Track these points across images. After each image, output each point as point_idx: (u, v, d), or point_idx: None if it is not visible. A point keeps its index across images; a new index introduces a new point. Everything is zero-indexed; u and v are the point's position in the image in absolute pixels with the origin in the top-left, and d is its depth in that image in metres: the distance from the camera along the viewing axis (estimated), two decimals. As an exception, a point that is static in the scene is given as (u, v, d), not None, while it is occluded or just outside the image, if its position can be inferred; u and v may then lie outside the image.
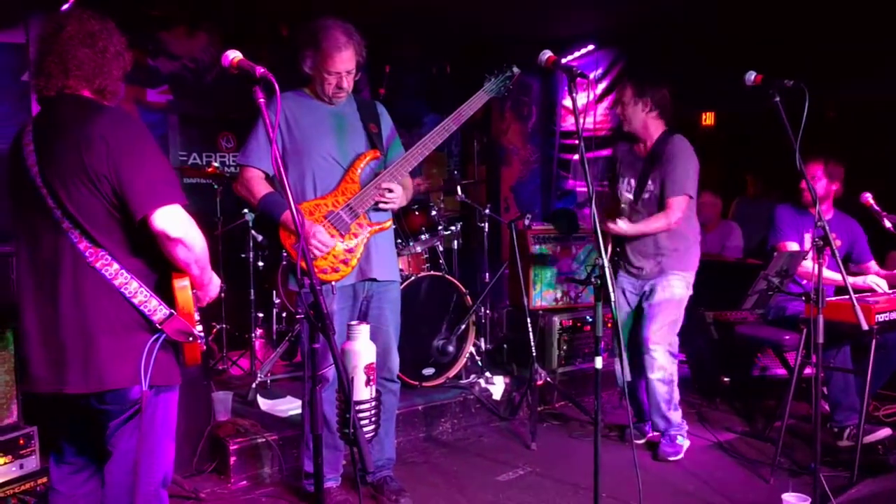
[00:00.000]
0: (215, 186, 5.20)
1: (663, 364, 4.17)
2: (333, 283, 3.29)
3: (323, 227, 3.26)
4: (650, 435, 4.41)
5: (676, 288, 4.19)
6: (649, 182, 4.16)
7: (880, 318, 3.82)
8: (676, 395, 4.26)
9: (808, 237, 4.50)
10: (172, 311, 2.26)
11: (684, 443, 4.26)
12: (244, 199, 3.42)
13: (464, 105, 3.53)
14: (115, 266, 2.21)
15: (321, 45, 3.27)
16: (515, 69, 3.60)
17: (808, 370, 3.92)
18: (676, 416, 4.25)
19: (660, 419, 4.26)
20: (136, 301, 2.22)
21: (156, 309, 2.24)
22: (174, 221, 2.18)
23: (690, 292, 4.25)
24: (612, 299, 2.92)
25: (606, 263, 2.89)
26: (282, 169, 2.20)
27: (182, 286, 2.28)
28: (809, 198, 4.43)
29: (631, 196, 4.26)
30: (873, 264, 4.66)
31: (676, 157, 4.09)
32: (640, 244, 4.22)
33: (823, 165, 4.44)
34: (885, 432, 4.20)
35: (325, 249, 3.24)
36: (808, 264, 4.06)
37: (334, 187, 3.38)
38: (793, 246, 4.47)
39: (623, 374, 3.37)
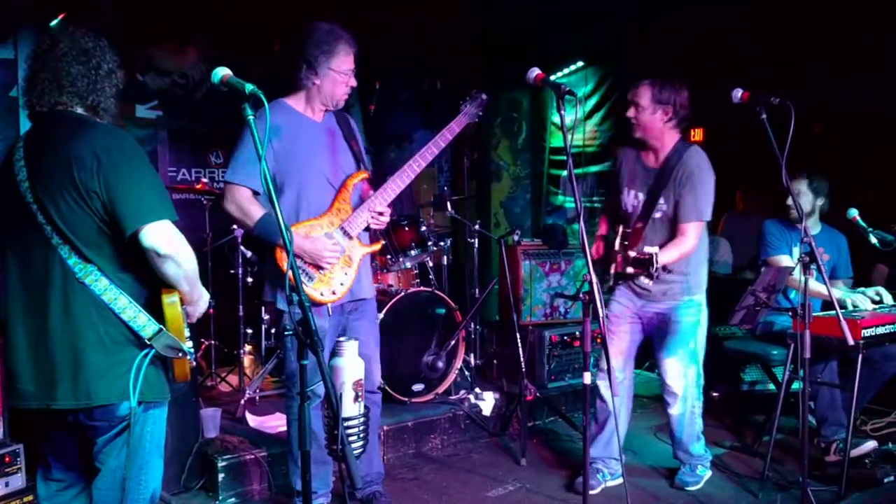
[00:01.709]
0: (204, 202, 5.19)
1: (686, 397, 3.89)
2: (330, 305, 3.34)
3: (324, 238, 3.29)
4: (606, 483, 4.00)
5: (690, 316, 3.83)
6: (661, 200, 3.74)
7: (866, 332, 3.84)
8: (699, 426, 3.97)
9: (796, 251, 4.54)
10: (162, 326, 2.26)
11: (706, 473, 4.03)
12: (235, 219, 3.31)
13: (444, 131, 3.59)
14: (105, 281, 2.21)
15: (336, 46, 3.27)
16: (484, 95, 3.70)
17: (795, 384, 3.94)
18: (699, 447, 4.00)
19: (682, 453, 4.01)
20: (125, 317, 2.22)
21: (145, 325, 2.24)
22: (164, 238, 2.19)
23: (705, 317, 3.91)
24: (602, 314, 2.92)
25: (594, 279, 2.90)
26: (272, 188, 2.18)
27: (171, 302, 2.28)
28: (795, 214, 4.48)
29: (638, 213, 3.81)
30: (847, 282, 4.68)
31: (696, 176, 3.67)
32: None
33: (808, 181, 4.47)
34: (870, 445, 4.22)
35: (337, 257, 3.29)
36: (798, 278, 4.08)
37: (327, 208, 3.37)
38: (784, 259, 4.50)
39: (613, 389, 3.36)
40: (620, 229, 3.84)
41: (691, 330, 3.84)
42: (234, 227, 4.98)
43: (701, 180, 3.67)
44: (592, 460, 3.89)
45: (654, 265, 2.94)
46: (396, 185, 3.45)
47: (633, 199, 3.85)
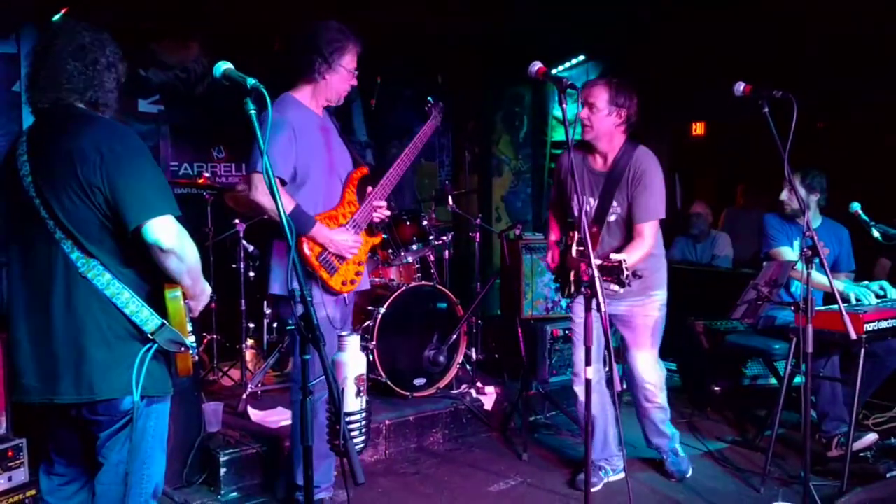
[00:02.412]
0: (206, 197, 5.19)
1: (656, 388, 3.93)
2: (346, 294, 3.51)
3: (349, 229, 3.43)
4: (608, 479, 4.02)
5: (655, 311, 3.85)
6: (614, 203, 3.71)
7: (869, 327, 3.84)
8: (667, 407, 4.02)
9: (796, 245, 4.53)
10: (164, 321, 2.26)
11: (685, 452, 4.13)
12: (264, 208, 3.26)
13: (419, 133, 3.81)
14: (108, 276, 2.22)
15: (347, 44, 3.36)
16: (441, 104, 3.98)
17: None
18: (671, 427, 4.08)
19: (658, 438, 4.07)
20: (127, 311, 2.23)
21: (148, 319, 2.24)
22: (167, 232, 2.19)
23: (665, 310, 3.91)
24: (603, 309, 2.92)
25: (596, 273, 2.90)
26: (274, 178, 2.22)
27: (174, 296, 2.28)
28: (788, 209, 4.48)
29: (591, 217, 3.75)
30: (850, 275, 4.68)
31: (646, 177, 3.65)
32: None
33: (801, 176, 4.46)
34: (871, 438, 4.23)
35: (357, 249, 3.44)
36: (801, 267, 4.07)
37: (337, 203, 3.48)
38: (786, 251, 4.49)
39: (615, 384, 3.35)
40: (575, 235, 3.57)
41: (658, 324, 3.88)
42: (236, 220, 4.98)
43: (652, 180, 3.66)
44: (593, 461, 3.81)
45: (625, 272, 2.92)
46: (389, 181, 3.60)
47: (584, 204, 3.64)
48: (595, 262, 2.96)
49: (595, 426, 3.90)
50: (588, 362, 3.03)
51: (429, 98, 3.99)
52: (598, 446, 3.97)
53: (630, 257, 3.31)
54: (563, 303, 5.43)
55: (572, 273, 3.54)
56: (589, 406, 3.05)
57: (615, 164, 3.70)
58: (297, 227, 3.23)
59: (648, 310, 3.85)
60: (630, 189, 3.66)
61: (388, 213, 3.63)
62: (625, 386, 4.34)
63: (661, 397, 3.96)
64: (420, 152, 3.84)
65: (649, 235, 3.66)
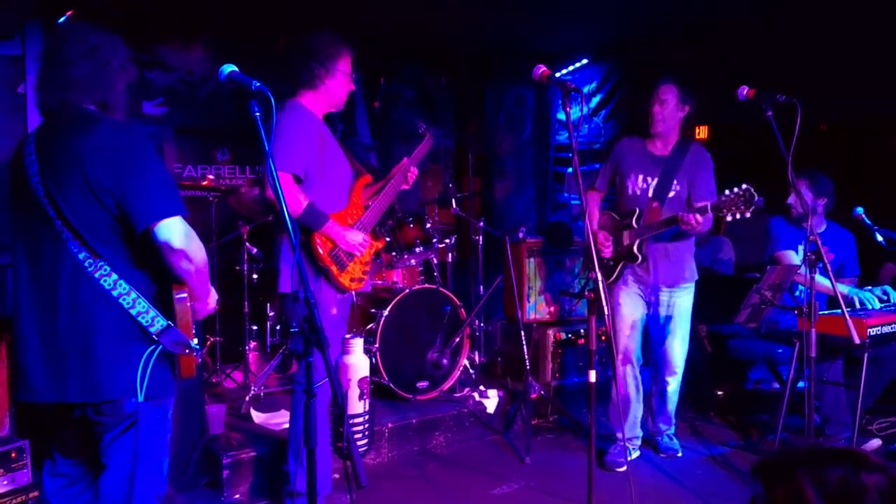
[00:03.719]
0: (210, 199, 5.20)
1: (680, 372, 4.32)
2: (354, 292, 3.61)
3: (354, 229, 3.52)
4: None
5: (689, 301, 4.26)
6: (675, 183, 4.10)
7: (872, 331, 3.84)
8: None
9: (801, 249, 4.53)
10: (170, 322, 2.26)
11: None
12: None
13: (415, 152, 3.96)
14: (114, 276, 2.22)
15: (340, 49, 3.46)
16: (430, 133, 4.15)
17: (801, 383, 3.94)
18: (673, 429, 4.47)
19: (667, 419, 4.43)
20: (133, 312, 2.23)
21: (153, 320, 2.25)
22: (176, 233, 2.20)
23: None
24: (606, 312, 2.92)
25: (600, 277, 2.90)
26: (276, 178, 2.24)
27: (180, 298, 2.29)
28: (794, 213, 4.48)
29: (650, 194, 4.14)
30: (854, 280, 4.67)
31: (708, 162, 4.15)
32: (665, 248, 4.16)
33: (808, 180, 4.45)
34: (875, 444, 4.22)
35: (366, 246, 3.54)
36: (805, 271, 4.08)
37: (343, 206, 3.55)
38: (791, 255, 4.49)
39: (617, 388, 3.39)
40: (637, 210, 4.11)
41: (687, 314, 4.25)
42: (240, 222, 4.99)
43: (710, 165, 4.15)
44: (619, 441, 4.29)
45: (755, 195, 3.53)
46: (394, 190, 3.81)
47: (641, 182, 4.17)
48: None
49: (627, 408, 4.31)
50: (591, 365, 3.04)
51: (420, 123, 4.26)
52: (627, 427, 4.30)
53: (705, 224, 3.86)
54: (567, 306, 5.43)
55: (635, 245, 4.07)
56: (593, 400, 3.08)
57: (675, 150, 4.14)
58: (312, 223, 3.33)
59: (689, 298, 4.25)
60: (693, 170, 4.10)
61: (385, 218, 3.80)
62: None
63: (677, 383, 4.36)
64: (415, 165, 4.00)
65: (708, 218, 3.94)
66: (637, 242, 4.09)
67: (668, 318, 4.24)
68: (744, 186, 3.50)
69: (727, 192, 3.59)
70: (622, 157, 4.29)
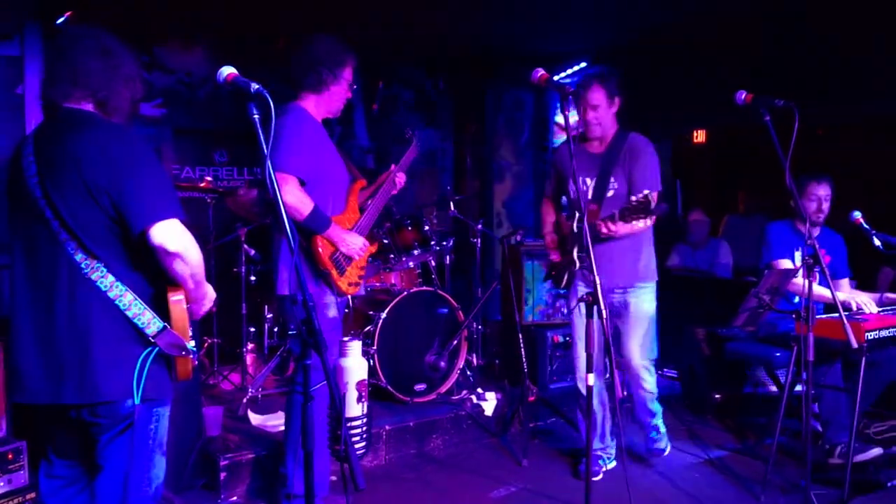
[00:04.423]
0: (208, 200, 5.20)
1: (650, 379, 4.14)
2: (350, 296, 3.62)
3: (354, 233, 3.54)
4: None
5: (649, 302, 4.05)
6: (612, 180, 3.92)
7: (870, 335, 3.84)
8: (655, 390, 4.23)
9: (797, 255, 4.53)
10: (166, 324, 2.26)
11: (665, 429, 4.36)
12: (287, 206, 3.24)
13: (403, 159, 4.02)
14: (111, 278, 2.22)
15: (346, 57, 3.48)
16: (415, 139, 4.16)
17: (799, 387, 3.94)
18: (657, 405, 4.26)
19: (647, 415, 4.26)
20: (130, 314, 2.23)
21: (150, 322, 2.24)
22: (173, 236, 2.20)
23: (656, 305, 4.11)
24: (604, 315, 2.92)
25: (598, 280, 2.90)
26: (275, 180, 2.23)
27: (177, 300, 2.28)
28: (821, 216, 4.47)
29: (589, 195, 3.95)
30: (846, 282, 4.68)
31: (644, 152, 3.90)
32: (609, 249, 3.89)
33: (830, 185, 4.46)
34: (875, 452, 4.21)
35: (365, 251, 3.57)
36: (800, 281, 4.07)
37: (342, 210, 3.56)
38: (786, 263, 4.49)
39: (617, 390, 3.38)
40: (576, 214, 3.89)
41: (647, 315, 4.05)
42: (238, 224, 4.98)
43: (649, 154, 3.91)
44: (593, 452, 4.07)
45: (652, 203, 3.16)
46: (388, 193, 3.86)
47: (580, 184, 3.98)
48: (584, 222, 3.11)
49: (594, 420, 4.13)
50: (590, 368, 3.04)
51: (407, 129, 4.29)
52: (596, 438, 4.18)
53: (630, 226, 3.57)
54: (564, 309, 5.43)
55: (574, 251, 3.85)
56: (590, 405, 3.09)
57: (611, 145, 3.94)
58: (316, 227, 3.34)
59: (642, 301, 4.02)
60: (628, 164, 3.89)
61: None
62: (626, 392, 4.36)
63: (649, 381, 4.15)
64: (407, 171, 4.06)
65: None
66: (575, 247, 3.87)
67: (624, 321, 4.05)
68: (643, 192, 3.20)
69: (632, 198, 3.29)
70: (561, 160, 4.16)
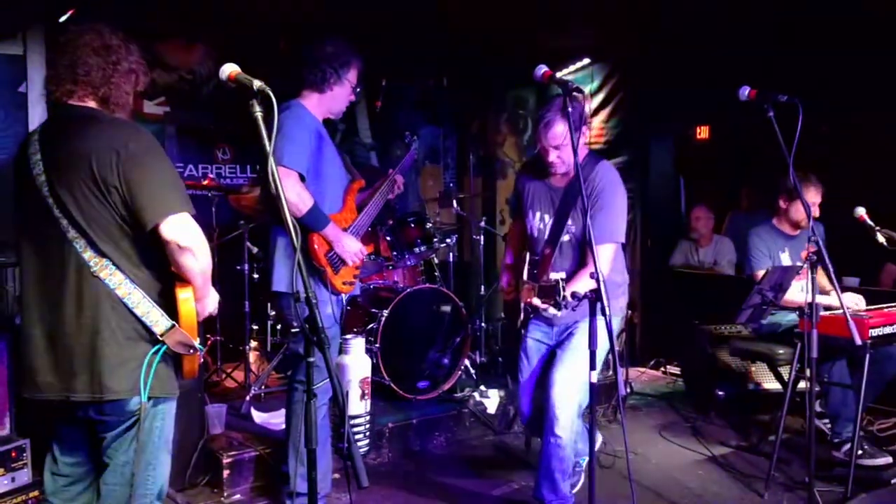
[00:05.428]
0: (211, 197, 5.20)
1: (569, 420, 3.34)
2: (345, 295, 3.57)
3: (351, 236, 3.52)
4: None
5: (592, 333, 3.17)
6: (569, 222, 3.41)
7: (874, 332, 3.83)
8: (571, 467, 3.50)
9: (784, 256, 4.51)
10: (174, 322, 2.27)
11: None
12: (289, 202, 3.14)
13: (403, 161, 4.05)
14: (119, 276, 2.23)
15: (352, 59, 3.48)
16: (415, 145, 4.24)
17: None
18: (567, 487, 3.47)
19: (548, 491, 3.42)
20: (138, 312, 2.23)
21: (158, 320, 2.25)
22: (185, 230, 2.22)
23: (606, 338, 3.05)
24: (608, 313, 2.87)
25: (601, 276, 2.88)
26: (278, 176, 2.20)
27: (185, 297, 2.29)
28: (804, 219, 4.46)
29: (545, 237, 3.48)
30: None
31: (608, 193, 3.32)
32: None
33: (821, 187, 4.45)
34: (884, 460, 4.16)
35: (360, 258, 3.52)
36: (791, 295, 4.06)
37: (339, 209, 3.54)
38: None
39: (620, 387, 3.31)
40: (528, 257, 3.51)
41: (584, 347, 3.04)
42: (242, 222, 4.98)
43: (612, 199, 3.33)
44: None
45: (561, 293, 2.69)
46: (385, 195, 3.83)
47: (538, 222, 3.53)
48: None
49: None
50: (592, 366, 2.99)
51: (406, 133, 4.33)
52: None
53: (577, 283, 3.12)
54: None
55: (524, 294, 3.20)
56: (593, 404, 2.91)
57: (575, 178, 3.25)
58: (314, 224, 3.32)
59: (584, 330, 3.14)
60: (589, 206, 3.13)
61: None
62: (629, 390, 4.35)
63: (563, 433, 3.33)
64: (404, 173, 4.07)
65: (605, 260, 3.26)
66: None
67: (563, 351, 3.50)
68: (555, 277, 2.74)
69: (543, 279, 2.84)
70: (524, 188, 3.64)
